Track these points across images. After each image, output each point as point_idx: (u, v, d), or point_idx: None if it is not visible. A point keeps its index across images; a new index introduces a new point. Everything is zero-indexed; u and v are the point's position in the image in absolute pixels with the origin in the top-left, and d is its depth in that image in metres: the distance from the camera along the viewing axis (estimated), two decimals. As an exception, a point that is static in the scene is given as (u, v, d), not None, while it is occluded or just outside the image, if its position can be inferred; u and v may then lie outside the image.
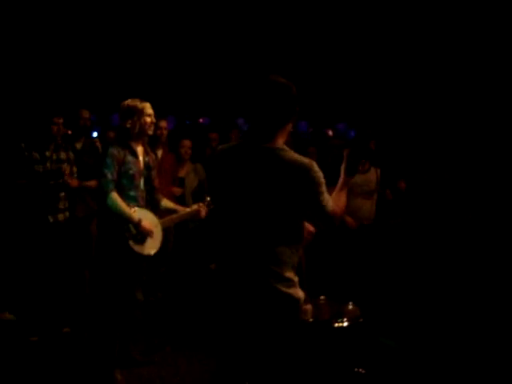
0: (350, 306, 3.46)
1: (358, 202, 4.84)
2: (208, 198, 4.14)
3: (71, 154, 4.87)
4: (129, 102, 3.80)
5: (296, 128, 8.45)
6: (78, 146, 5.23)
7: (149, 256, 3.77)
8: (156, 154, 5.36)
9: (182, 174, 5.67)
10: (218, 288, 2.49)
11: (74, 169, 4.88)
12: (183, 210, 4.10)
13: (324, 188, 2.37)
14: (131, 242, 3.66)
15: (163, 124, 5.45)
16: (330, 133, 8.76)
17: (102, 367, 3.81)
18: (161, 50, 8.97)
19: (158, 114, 5.47)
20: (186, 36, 8.85)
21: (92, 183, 5.04)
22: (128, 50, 8.87)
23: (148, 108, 3.82)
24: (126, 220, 3.64)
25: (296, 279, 2.42)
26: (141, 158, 3.84)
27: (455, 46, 7.14)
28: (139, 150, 3.84)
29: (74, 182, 4.79)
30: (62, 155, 4.76)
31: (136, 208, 3.72)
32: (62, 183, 4.63)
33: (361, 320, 3.21)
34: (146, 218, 3.75)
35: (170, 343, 4.56)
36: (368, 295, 4.41)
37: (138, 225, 3.65)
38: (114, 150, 3.69)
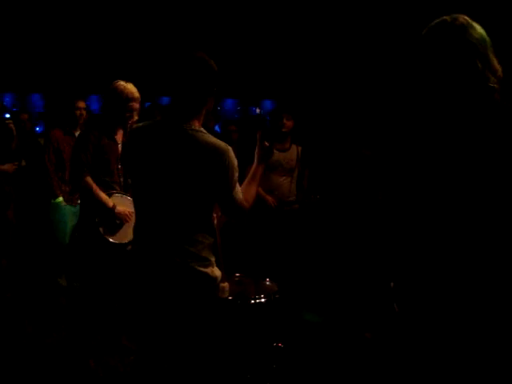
0: (267, 283, 3.50)
1: (277, 180, 4.84)
2: None
3: None
4: (123, 84, 3.61)
5: (222, 106, 8.45)
6: (-10, 128, 5.01)
7: (125, 243, 3.56)
8: (74, 136, 5.23)
9: None
10: (134, 269, 2.46)
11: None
12: None
13: (236, 176, 2.36)
14: (107, 236, 3.52)
15: (81, 104, 5.29)
16: (258, 110, 8.83)
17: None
18: (82, 27, 8.66)
19: (78, 94, 5.35)
20: (106, 14, 8.58)
21: (7, 167, 4.86)
22: (51, 28, 8.51)
23: (137, 93, 3.66)
24: (101, 206, 3.50)
25: (213, 258, 2.43)
26: (120, 143, 3.68)
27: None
28: (119, 133, 3.70)
29: None
30: (-28, 138, 4.55)
31: (116, 194, 3.58)
32: None
33: (278, 296, 3.25)
34: (124, 204, 3.59)
35: (92, 327, 4.50)
36: (286, 272, 4.48)
37: (112, 210, 3.51)
38: (89, 134, 3.57)
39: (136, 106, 3.66)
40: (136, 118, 3.67)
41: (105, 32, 8.49)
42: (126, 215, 3.56)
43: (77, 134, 5.24)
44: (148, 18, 8.39)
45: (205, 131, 2.37)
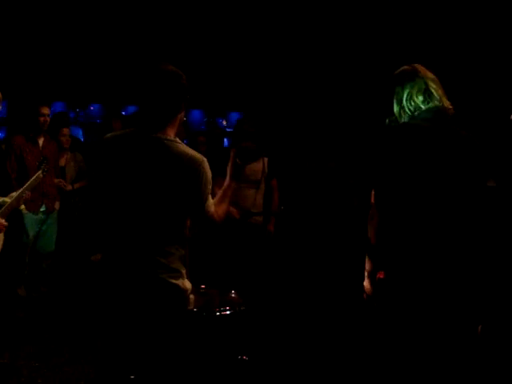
0: (233, 295, 3.49)
1: (243, 192, 4.77)
2: (41, 159, 4.18)
3: None
4: None
5: (188, 117, 8.42)
6: None
7: None
8: (37, 142, 5.15)
9: (62, 162, 5.57)
10: (104, 279, 2.43)
11: None
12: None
13: (209, 188, 2.38)
14: None
15: (46, 111, 5.21)
16: (224, 122, 8.85)
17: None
18: (47, 33, 8.53)
19: (42, 100, 5.26)
20: (74, 19, 8.48)
21: None
22: (13, 33, 8.34)
23: None
24: None
25: (183, 270, 2.42)
26: None
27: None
28: None
29: None
30: None
31: None
32: None
33: (243, 308, 3.24)
34: None
35: (53, 340, 4.42)
36: (251, 284, 4.48)
37: None
38: None
39: None
40: None
41: (70, 38, 8.38)
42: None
43: (40, 140, 5.18)
44: (114, 28, 8.32)
45: (180, 141, 2.37)
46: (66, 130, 5.66)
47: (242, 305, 3.28)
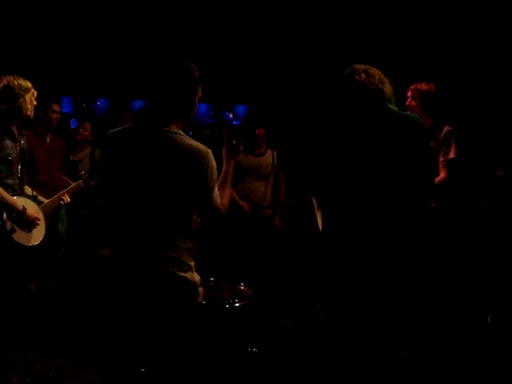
0: (242, 287, 3.50)
1: (253, 185, 4.79)
2: (83, 172, 4.33)
3: None
4: (13, 79, 3.43)
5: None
6: None
7: (33, 246, 3.46)
8: (45, 137, 5.17)
9: (78, 157, 5.55)
10: (113, 274, 2.43)
11: None
12: (45, 199, 3.77)
13: (215, 180, 2.37)
14: (15, 236, 3.32)
15: (57, 107, 5.24)
16: (231, 115, 8.88)
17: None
18: (55, 29, 8.54)
19: (52, 96, 5.28)
20: (81, 14, 8.49)
21: None
22: (23, 29, 8.36)
23: (33, 89, 3.51)
24: (9, 210, 3.28)
25: (192, 263, 2.43)
26: (18, 142, 3.50)
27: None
28: (15, 132, 3.49)
29: None
30: None
31: (16, 197, 3.39)
32: None
33: (252, 300, 3.25)
34: (28, 206, 3.43)
35: (64, 334, 4.45)
36: (260, 276, 4.48)
37: (22, 213, 3.34)
38: None
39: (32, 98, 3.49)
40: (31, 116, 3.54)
41: (77, 34, 8.40)
42: (36, 218, 3.43)
43: (47, 136, 5.20)
44: (121, 24, 8.33)
45: (183, 134, 2.35)
46: (86, 125, 5.74)
47: (252, 297, 3.29)
